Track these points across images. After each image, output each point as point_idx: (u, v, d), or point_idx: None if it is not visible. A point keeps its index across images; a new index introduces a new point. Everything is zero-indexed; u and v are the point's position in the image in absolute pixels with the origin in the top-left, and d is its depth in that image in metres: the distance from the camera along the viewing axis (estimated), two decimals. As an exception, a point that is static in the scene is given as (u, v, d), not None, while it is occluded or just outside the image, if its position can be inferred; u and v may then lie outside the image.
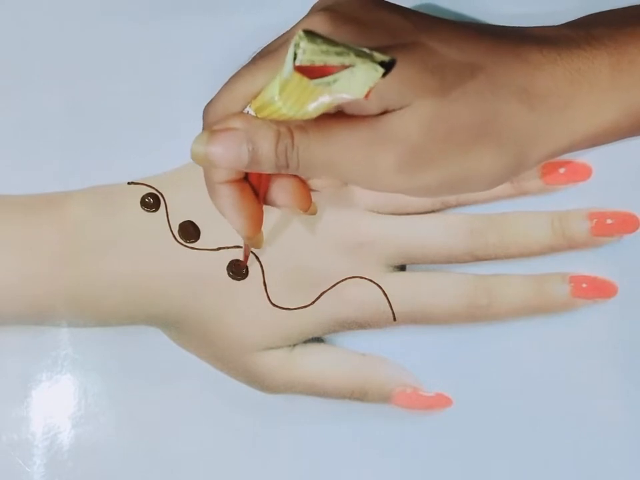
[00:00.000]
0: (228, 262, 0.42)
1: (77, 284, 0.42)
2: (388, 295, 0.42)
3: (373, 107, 0.34)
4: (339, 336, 0.43)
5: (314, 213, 0.39)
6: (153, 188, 0.43)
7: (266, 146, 0.34)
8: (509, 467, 0.43)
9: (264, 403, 0.43)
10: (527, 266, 0.43)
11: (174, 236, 0.42)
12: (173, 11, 0.44)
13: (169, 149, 0.43)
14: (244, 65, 0.37)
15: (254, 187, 0.37)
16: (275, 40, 0.38)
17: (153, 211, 0.43)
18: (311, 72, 0.29)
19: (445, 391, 0.43)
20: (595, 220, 0.42)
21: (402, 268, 0.43)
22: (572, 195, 0.43)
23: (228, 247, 0.42)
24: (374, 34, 0.34)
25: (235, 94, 0.35)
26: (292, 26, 0.37)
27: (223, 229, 0.42)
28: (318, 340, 0.43)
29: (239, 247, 0.42)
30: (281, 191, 0.38)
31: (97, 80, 0.44)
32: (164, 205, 0.43)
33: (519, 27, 0.38)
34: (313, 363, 0.43)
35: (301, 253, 0.42)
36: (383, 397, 0.43)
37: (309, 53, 0.28)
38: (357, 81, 0.29)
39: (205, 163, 0.35)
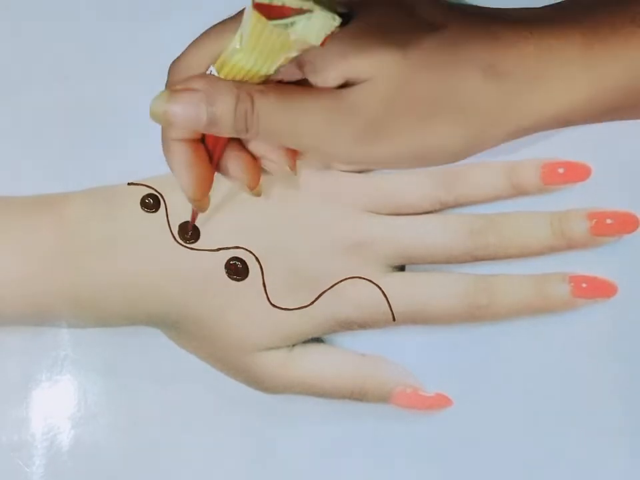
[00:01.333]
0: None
1: (76, 284, 0.42)
2: (387, 295, 0.42)
3: (335, 77, 0.34)
4: (339, 336, 0.43)
5: (259, 195, 0.39)
6: (153, 189, 0.43)
7: (225, 108, 0.34)
8: (509, 467, 0.43)
9: (264, 403, 0.43)
10: (526, 266, 0.43)
11: (174, 236, 0.42)
12: (173, 11, 0.44)
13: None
14: (210, 27, 0.37)
15: (209, 151, 0.37)
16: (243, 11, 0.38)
17: (152, 212, 0.43)
18: (269, 11, 0.29)
19: (444, 391, 0.43)
20: (595, 220, 0.42)
21: (401, 268, 0.43)
22: (572, 194, 0.43)
23: (228, 248, 0.42)
24: None
25: (200, 53, 0.36)
26: None
27: (223, 229, 0.42)
28: (317, 340, 0.43)
29: (239, 247, 0.42)
30: (233, 161, 0.38)
31: (97, 80, 0.44)
32: (164, 206, 0.43)
33: (489, 7, 0.38)
34: (313, 363, 0.43)
35: (300, 254, 0.42)
36: (383, 397, 0.43)
37: None
38: (314, 26, 0.29)
39: (163, 122, 0.35)
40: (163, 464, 0.43)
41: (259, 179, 0.38)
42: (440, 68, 0.34)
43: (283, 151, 0.37)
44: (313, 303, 0.42)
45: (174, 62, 0.37)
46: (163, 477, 0.43)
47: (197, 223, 0.42)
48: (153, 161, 0.43)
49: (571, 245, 0.42)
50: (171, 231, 0.42)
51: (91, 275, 0.42)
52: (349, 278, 0.42)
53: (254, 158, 0.38)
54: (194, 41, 0.36)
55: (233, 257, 0.42)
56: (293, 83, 0.35)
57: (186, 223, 0.42)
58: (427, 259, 0.43)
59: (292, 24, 0.29)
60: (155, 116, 0.34)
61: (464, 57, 0.34)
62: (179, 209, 0.43)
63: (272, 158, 0.38)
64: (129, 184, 0.43)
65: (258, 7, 0.29)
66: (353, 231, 0.42)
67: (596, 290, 0.42)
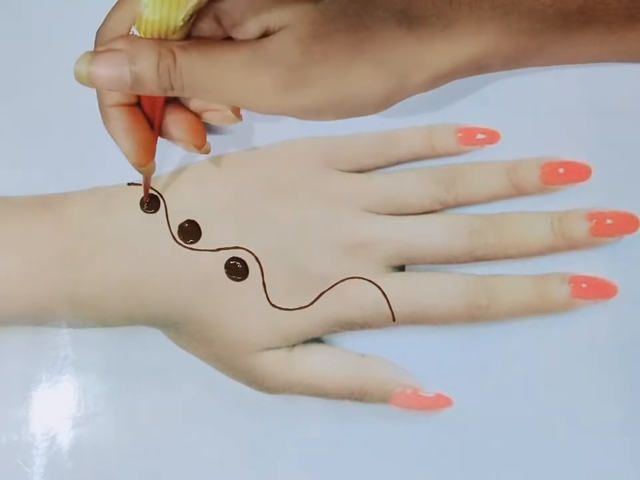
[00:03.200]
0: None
1: (76, 284, 0.42)
2: (387, 296, 0.42)
3: (254, 28, 0.35)
4: (339, 336, 0.43)
5: (207, 152, 0.40)
6: (153, 189, 0.43)
7: (147, 65, 0.34)
8: (509, 467, 0.43)
9: (263, 403, 0.43)
10: (526, 266, 0.43)
11: (173, 237, 0.42)
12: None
13: (169, 149, 0.43)
14: None
15: (148, 117, 0.38)
16: None
17: (152, 212, 0.43)
18: None
19: (444, 391, 0.43)
20: (595, 220, 0.42)
21: (401, 268, 0.43)
22: (571, 195, 0.43)
23: (228, 248, 0.42)
24: None
25: (121, 16, 0.36)
26: None
27: (222, 229, 0.42)
28: (317, 340, 0.43)
29: (239, 247, 0.42)
30: (175, 124, 0.38)
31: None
32: (163, 206, 0.43)
33: None
34: (313, 364, 0.43)
35: (300, 253, 0.42)
36: (383, 397, 0.43)
37: None
38: None
39: (88, 84, 0.35)
40: (163, 464, 0.43)
41: (205, 137, 0.39)
42: (354, 14, 0.35)
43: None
44: (312, 303, 0.42)
45: (99, 28, 0.37)
46: (162, 477, 0.43)
47: (197, 223, 0.42)
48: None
49: (570, 245, 0.42)
50: (171, 231, 0.42)
51: (91, 275, 0.42)
52: (349, 278, 0.42)
53: (195, 117, 0.39)
54: (115, 4, 0.37)
55: (233, 257, 0.42)
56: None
57: (185, 222, 0.42)
58: (427, 259, 0.43)
59: None
60: (79, 77, 0.35)
61: (377, 3, 0.35)
62: (178, 208, 0.43)
63: (213, 107, 0.39)
64: (128, 184, 0.43)
65: None
66: (353, 231, 0.42)
67: (596, 290, 0.42)
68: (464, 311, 0.42)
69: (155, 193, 0.43)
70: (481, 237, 0.42)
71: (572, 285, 0.42)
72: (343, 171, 0.43)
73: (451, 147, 0.43)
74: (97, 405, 0.43)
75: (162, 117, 0.38)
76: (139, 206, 0.43)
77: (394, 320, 0.42)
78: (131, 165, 0.38)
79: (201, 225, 0.43)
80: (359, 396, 0.43)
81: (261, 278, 0.42)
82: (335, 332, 0.43)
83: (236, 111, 0.39)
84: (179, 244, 0.42)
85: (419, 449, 0.43)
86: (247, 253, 0.42)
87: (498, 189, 0.43)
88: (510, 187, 0.43)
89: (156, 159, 0.41)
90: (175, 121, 0.38)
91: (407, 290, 0.42)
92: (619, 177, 0.43)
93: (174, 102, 0.39)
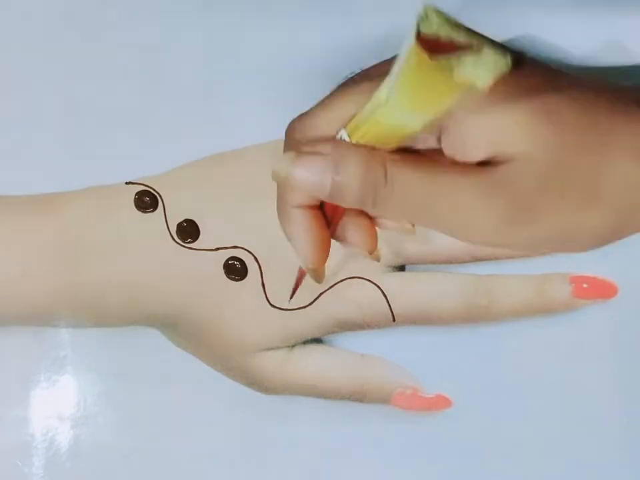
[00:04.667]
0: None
1: (75, 284, 0.42)
2: (387, 296, 0.42)
3: (480, 152, 0.31)
4: (338, 336, 0.43)
5: (377, 259, 0.37)
6: (151, 188, 0.43)
7: (352, 177, 0.31)
8: (508, 468, 0.43)
9: (263, 403, 0.43)
10: (527, 266, 0.42)
11: (172, 236, 0.42)
12: (173, 11, 0.44)
13: (168, 149, 0.43)
14: (341, 85, 0.35)
15: (327, 217, 0.35)
16: (382, 63, 0.35)
17: (150, 212, 0.42)
18: (433, 49, 0.25)
19: (444, 392, 0.43)
20: None
21: (401, 268, 0.43)
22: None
23: (227, 247, 0.42)
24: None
25: (331, 115, 0.33)
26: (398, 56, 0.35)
27: (221, 229, 0.42)
28: (317, 341, 0.43)
29: (238, 247, 0.42)
30: (352, 228, 0.35)
31: (97, 80, 0.44)
32: (162, 205, 0.43)
33: (636, 86, 0.37)
34: (312, 364, 0.42)
35: (300, 254, 0.42)
36: (383, 398, 0.43)
37: (436, 24, 0.25)
38: (483, 66, 0.25)
39: (285, 184, 0.33)
40: (163, 464, 0.43)
41: (377, 242, 0.36)
42: (591, 149, 0.32)
43: None
44: (312, 303, 0.42)
45: (297, 120, 0.35)
46: (162, 477, 0.43)
47: (196, 222, 0.42)
48: (151, 161, 0.43)
49: None
50: (169, 231, 0.42)
51: (90, 275, 0.42)
52: (349, 278, 0.42)
53: (371, 221, 0.35)
54: (322, 102, 0.34)
55: (232, 257, 0.42)
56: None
57: (184, 222, 0.42)
58: (427, 259, 0.43)
59: (458, 61, 0.25)
60: (277, 176, 0.33)
61: (613, 139, 0.33)
62: (177, 208, 0.43)
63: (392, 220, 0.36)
64: (126, 183, 0.43)
65: (422, 43, 0.25)
66: (352, 231, 0.42)
67: (597, 290, 0.42)
68: (464, 311, 0.42)
69: (154, 192, 0.43)
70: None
71: (573, 285, 0.42)
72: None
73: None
74: (96, 405, 0.43)
75: (340, 220, 0.35)
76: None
77: (394, 320, 0.42)
78: (303, 265, 0.36)
79: (199, 225, 0.42)
80: (358, 396, 0.43)
81: (260, 278, 0.42)
82: (334, 332, 0.43)
83: (377, 256, 0.37)
84: (178, 243, 0.42)
85: (419, 449, 0.43)
86: (246, 252, 0.42)
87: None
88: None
89: (155, 158, 0.42)
90: (351, 223, 0.35)
91: (407, 290, 0.42)
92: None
93: None
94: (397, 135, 0.30)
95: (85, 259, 0.42)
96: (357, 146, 0.32)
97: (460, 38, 0.25)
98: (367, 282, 0.42)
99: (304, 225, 0.35)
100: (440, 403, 0.43)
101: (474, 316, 0.42)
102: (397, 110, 0.28)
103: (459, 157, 0.32)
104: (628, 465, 0.42)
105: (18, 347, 0.43)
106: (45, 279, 0.42)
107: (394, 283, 0.42)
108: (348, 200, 0.32)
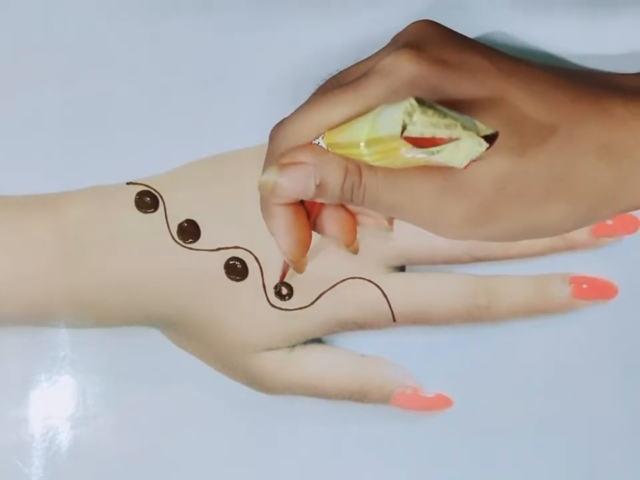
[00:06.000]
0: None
1: (75, 284, 0.42)
2: (387, 296, 0.42)
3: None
4: (339, 337, 0.43)
5: (355, 252, 0.40)
6: (152, 188, 0.43)
7: (333, 182, 0.34)
8: (509, 467, 0.43)
9: (263, 403, 0.43)
10: (527, 266, 0.43)
11: (172, 236, 0.42)
12: (173, 11, 0.44)
13: (169, 149, 0.43)
14: (318, 91, 0.37)
15: (307, 211, 0.38)
16: (353, 67, 0.37)
17: (151, 212, 0.42)
18: (416, 142, 0.29)
19: (445, 392, 0.43)
20: None
21: (402, 268, 0.43)
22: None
23: (227, 248, 0.42)
24: (460, 79, 0.34)
25: (309, 123, 0.35)
26: (375, 53, 0.36)
27: (222, 229, 0.42)
28: (318, 341, 0.43)
29: (238, 247, 0.42)
30: (331, 220, 0.38)
31: (97, 80, 0.44)
32: (162, 206, 0.43)
33: (599, 72, 0.38)
34: (313, 364, 0.43)
35: (301, 254, 0.42)
36: (383, 398, 0.43)
37: (420, 125, 0.28)
38: (460, 153, 0.29)
39: (270, 193, 0.35)
40: (162, 464, 0.43)
41: (355, 235, 0.39)
42: (553, 149, 0.34)
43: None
44: (313, 303, 0.42)
45: (278, 128, 0.37)
46: (162, 477, 0.43)
47: (197, 223, 0.42)
48: (151, 161, 0.43)
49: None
50: (170, 231, 0.42)
51: (90, 275, 0.42)
52: (350, 278, 0.42)
53: (350, 215, 0.38)
54: (300, 110, 0.36)
55: (233, 257, 0.42)
56: None
57: (185, 222, 0.42)
58: (427, 259, 0.43)
59: (438, 152, 0.29)
60: (263, 188, 0.35)
61: (577, 137, 0.34)
62: (177, 208, 0.43)
63: (370, 213, 0.38)
64: (127, 183, 0.43)
65: (406, 139, 0.28)
66: (353, 231, 0.42)
67: (596, 291, 0.42)
68: (464, 311, 0.42)
69: (154, 193, 0.43)
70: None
71: (572, 285, 0.42)
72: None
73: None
74: (96, 405, 0.43)
75: (320, 213, 0.38)
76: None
77: (394, 320, 0.42)
78: (285, 259, 0.38)
79: (200, 225, 0.42)
80: (359, 396, 0.43)
81: (261, 278, 0.42)
82: (335, 332, 0.43)
83: (390, 221, 0.39)
84: (178, 244, 0.42)
85: (419, 449, 0.43)
86: (247, 252, 0.42)
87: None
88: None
89: (155, 158, 0.42)
90: (330, 217, 0.38)
91: (408, 290, 0.42)
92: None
93: None
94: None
95: (86, 259, 0.42)
96: (335, 155, 0.34)
97: (441, 132, 0.28)
98: (367, 282, 0.42)
99: (285, 221, 0.37)
100: (440, 403, 0.43)
101: (474, 316, 0.42)
102: (375, 158, 0.32)
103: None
104: (629, 464, 0.43)
105: (18, 347, 0.43)
106: (45, 278, 0.42)
107: (394, 283, 0.42)
108: (329, 199, 0.35)
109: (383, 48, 0.36)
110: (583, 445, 0.43)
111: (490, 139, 0.29)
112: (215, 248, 0.42)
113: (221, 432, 0.43)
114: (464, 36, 0.36)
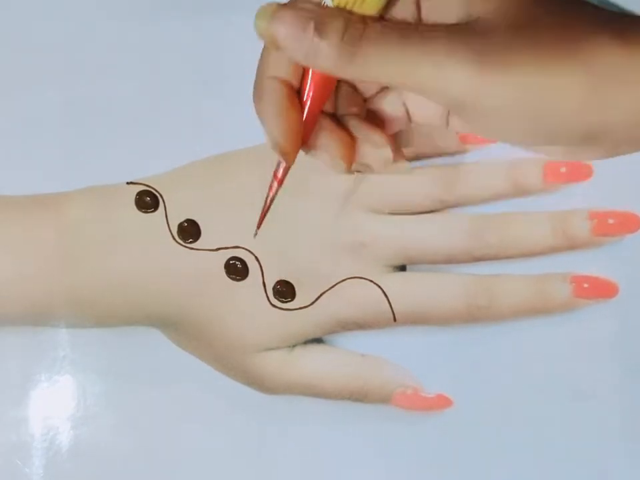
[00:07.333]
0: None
1: (75, 284, 0.42)
2: (388, 295, 0.42)
3: (457, 13, 0.31)
4: (339, 336, 0.43)
5: (350, 172, 0.35)
6: (152, 188, 0.43)
7: (332, 31, 0.31)
8: (509, 467, 0.43)
9: (263, 403, 0.43)
10: (527, 266, 0.42)
11: (173, 236, 0.42)
12: (173, 11, 0.44)
13: (169, 148, 0.43)
14: None
15: (304, 108, 0.34)
16: None
17: (151, 212, 0.42)
18: None
19: (445, 392, 0.43)
20: (596, 220, 0.42)
21: (402, 268, 0.43)
22: (572, 194, 0.43)
23: (227, 247, 0.42)
24: None
25: None
26: None
27: (222, 229, 0.42)
28: (318, 341, 0.43)
29: (238, 247, 0.42)
30: (327, 134, 0.34)
31: (97, 80, 0.44)
32: (163, 205, 0.43)
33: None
34: (313, 364, 0.42)
35: (301, 253, 0.42)
36: (383, 398, 0.43)
37: None
38: None
39: (267, 38, 0.32)
40: (162, 464, 0.43)
41: (354, 155, 0.34)
42: (565, 15, 0.32)
43: (386, 136, 0.34)
44: (313, 303, 0.42)
45: None
46: (162, 477, 0.43)
47: (197, 223, 0.42)
48: (151, 161, 0.43)
49: (572, 245, 0.42)
50: (170, 231, 0.42)
51: (90, 275, 0.42)
52: (350, 278, 0.42)
53: (351, 137, 0.34)
54: None
55: (233, 257, 0.42)
56: None
57: (185, 222, 0.42)
58: (427, 259, 0.43)
59: None
60: (259, 29, 0.32)
61: (591, 13, 0.32)
62: (177, 208, 0.43)
63: (374, 139, 0.34)
64: (127, 183, 0.43)
65: None
66: (353, 231, 0.42)
67: (597, 290, 0.42)
68: (464, 311, 0.42)
69: (155, 192, 0.43)
70: (481, 237, 0.42)
71: (573, 284, 0.42)
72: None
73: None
74: (96, 405, 0.43)
75: (318, 117, 0.34)
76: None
77: (394, 320, 0.42)
78: (272, 148, 0.34)
79: (200, 225, 0.42)
80: (359, 396, 0.43)
81: (261, 278, 0.42)
82: (335, 332, 0.43)
83: (397, 154, 0.35)
84: (179, 243, 0.42)
85: (419, 449, 0.43)
86: (247, 252, 0.42)
87: (499, 189, 0.43)
88: (511, 187, 0.42)
89: (155, 158, 0.41)
90: (328, 131, 0.34)
91: (408, 290, 0.42)
92: (619, 176, 0.43)
93: (330, 117, 0.35)
94: (375, 5, 0.31)
95: (86, 259, 0.42)
96: (339, 9, 0.31)
97: None
98: (367, 282, 0.42)
99: (277, 100, 0.33)
100: (440, 403, 0.43)
101: (474, 316, 0.42)
102: None
103: (435, 20, 0.32)
104: (628, 464, 0.43)
105: (18, 347, 0.43)
106: (45, 278, 0.42)
107: (394, 283, 0.42)
108: (324, 57, 0.31)
109: None
110: (582, 445, 0.42)
111: None
112: (215, 248, 0.42)
113: (221, 432, 0.43)
114: None
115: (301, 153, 0.35)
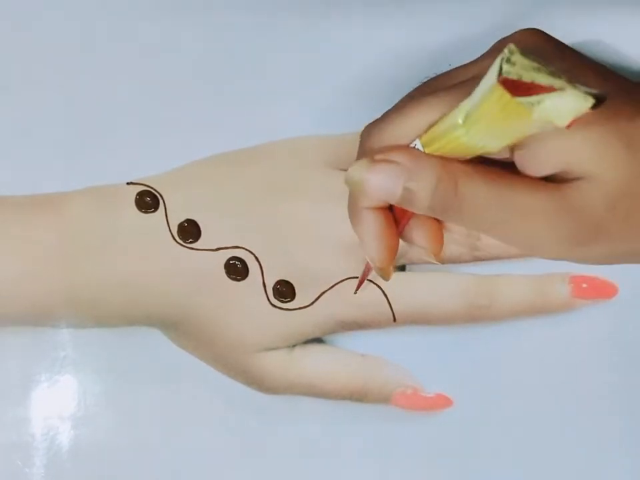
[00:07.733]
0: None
1: (75, 284, 0.42)
2: (388, 295, 0.42)
3: (549, 167, 0.32)
4: (339, 336, 0.43)
5: (442, 262, 0.37)
6: (152, 188, 0.43)
7: (424, 186, 0.32)
8: (509, 467, 0.43)
9: (263, 403, 0.43)
10: (527, 266, 0.43)
11: (173, 236, 0.42)
12: (173, 11, 0.44)
13: (169, 148, 0.43)
14: (415, 92, 0.36)
15: (396, 217, 0.36)
16: (455, 71, 0.36)
17: (152, 212, 0.42)
18: (514, 88, 0.26)
19: (445, 392, 0.43)
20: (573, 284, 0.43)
21: (402, 268, 0.43)
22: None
23: (227, 247, 0.42)
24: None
25: (407, 124, 0.33)
26: (481, 57, 0.35)
27: (222, 229, 0.42)
28: (318, 340, 0.43)
29: (238, 247, 0.42)
30: (419, 229, 0.36)
31: (97, 80, 0.44)
32: (163, 205, 0.43)
33: None
34: (313, 364, 0.42)
35: (301, 253, 0.42)
36: (383, 398, 0.43)
37: (519, 66, 0.26)
38: (563, 106, 0.26)
39: (356, 188, 0.33)
40: (163, 464, 0.43)
41: (442, 245, 0.36)
42: None
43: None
44: (313, 303, 0.42)
45: (372, 126, 0.35)
46: (162, 477, 0.43)
47: (198, 223, 0.42)
48: (152, 161, 0.43)
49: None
50: (170, 231, 0.42)
51: (90, 275, 0.42)
52: (349, 278, 0.42)
53: (437, 223, 0.36)
54: (398, 109, 0.34)
55: (233, 257, 0.42)
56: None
57: (185, 222, 0.42)
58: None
59: (539, 102, 0.26)
60: (350, 181, 0.33)
61: None
62: (177, 208, 0.43)
63: (452, 228, 0.36)
64: (128, 183, 0.43)
65: (504, 83, 0.26)
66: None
67: (596, 290, 0.42)
68: (464, 311, 0.42)
69: (155, 193, 0.43)
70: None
71: (572, 285, 0.42)
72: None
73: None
74: (97, 405, 0.43)
75: (408, 221, 0.36)
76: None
77: (394, 320, 0.42)
78: (372, 265, 0.36)
79: (200, 225, 0.42)
80: (359, 396, 0.43)
81: (261, 278, 0.42)
82: (335, 332, 0.43)
83: (441, 259, 0.37)
84: (179, 244, 0.42)
85: (419, 449, 0.43)
86: (247, 252, 0.42)
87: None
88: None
89: (155, 158, 0.41)
90: (420, 226, 0.36)
91: (408, 290, 0.42)
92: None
93: None
94: (472, 152, 0.31)
95: (86, 259, 0.42)
96: (430, 156, 0.32)
97: (542, 80, 0.26)
98: (367, 282, 0.42)
99: (373, 227, 0.35)
100: (440, 403, 0.43)
101: (474, 316, 0.42)
102: (473, 134, 0.29)
103: (528, 171, 0.32)
104: (628, 464, 0.43)
105: (18, 347, 0.43)
106: (45, 278, 0.42)
107: (394, 282, 0.42)
108: (417, 208, 0.33)
109: (489, 52, 0.35)
110: (582, 445, 0.43)
111: (598, 99, 0.26)
112: (215, 248, 0.42)
113: (221, 432, 0.43)
114: (567, 45, 0.35)
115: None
